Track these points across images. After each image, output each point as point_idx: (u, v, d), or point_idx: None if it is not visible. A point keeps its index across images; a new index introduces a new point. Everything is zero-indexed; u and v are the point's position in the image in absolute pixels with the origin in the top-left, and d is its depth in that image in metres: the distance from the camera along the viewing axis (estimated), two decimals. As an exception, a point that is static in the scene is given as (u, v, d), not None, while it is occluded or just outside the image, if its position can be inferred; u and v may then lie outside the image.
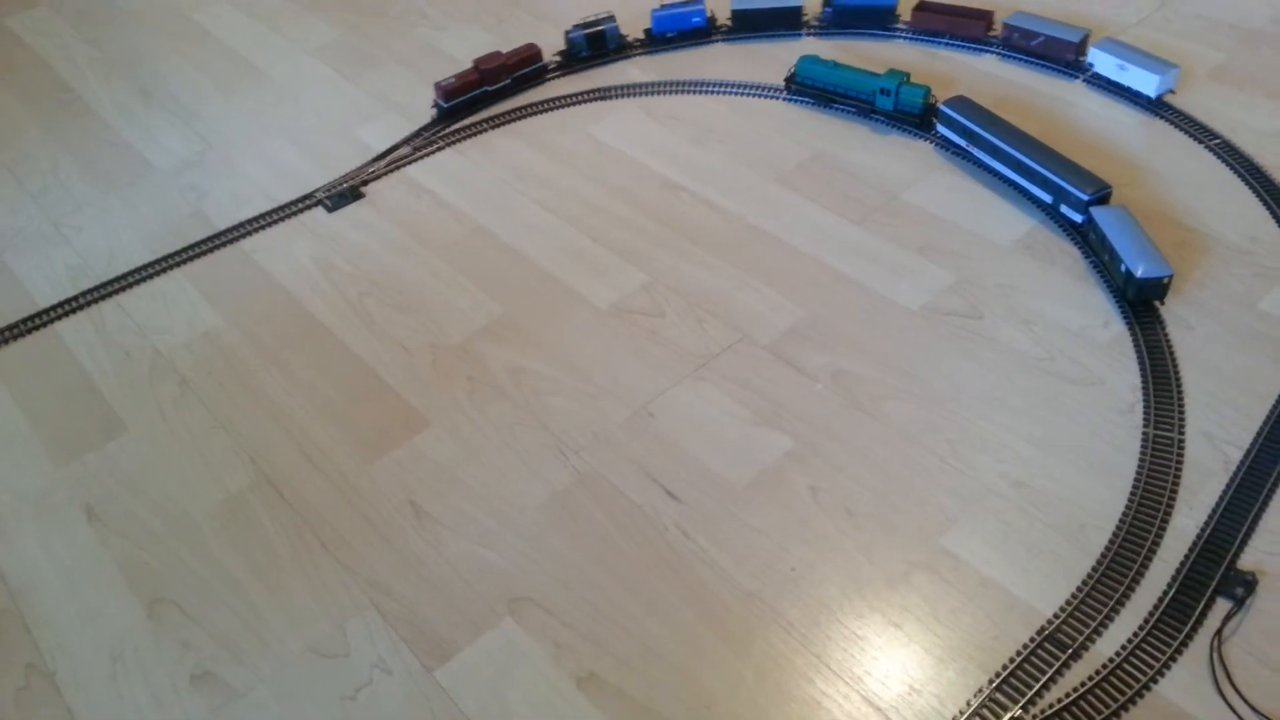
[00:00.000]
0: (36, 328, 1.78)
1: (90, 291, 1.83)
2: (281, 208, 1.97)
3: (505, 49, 2.22)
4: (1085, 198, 1.67)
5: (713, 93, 2.15)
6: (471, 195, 1.97)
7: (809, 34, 2.28)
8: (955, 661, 1.18)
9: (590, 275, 1.76)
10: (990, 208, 1.79)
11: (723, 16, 2.34)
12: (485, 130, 2.13)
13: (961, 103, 1.89)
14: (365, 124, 2.18)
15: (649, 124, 2.09)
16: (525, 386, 1.58)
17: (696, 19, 2.27)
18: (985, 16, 2.17)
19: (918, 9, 2.21)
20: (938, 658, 1.19)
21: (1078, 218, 1.70)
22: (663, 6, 2.28)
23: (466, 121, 2.15)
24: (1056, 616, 1.20)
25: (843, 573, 1.28)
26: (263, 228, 1.95)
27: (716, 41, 2.30)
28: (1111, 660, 1.15)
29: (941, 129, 1.92)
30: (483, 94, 2.16)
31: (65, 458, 1.55)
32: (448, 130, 2.13)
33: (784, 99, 2.11)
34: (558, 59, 2.26)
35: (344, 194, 2.00)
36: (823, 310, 1.64)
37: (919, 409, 1.46)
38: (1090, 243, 1.67)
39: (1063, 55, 2.08)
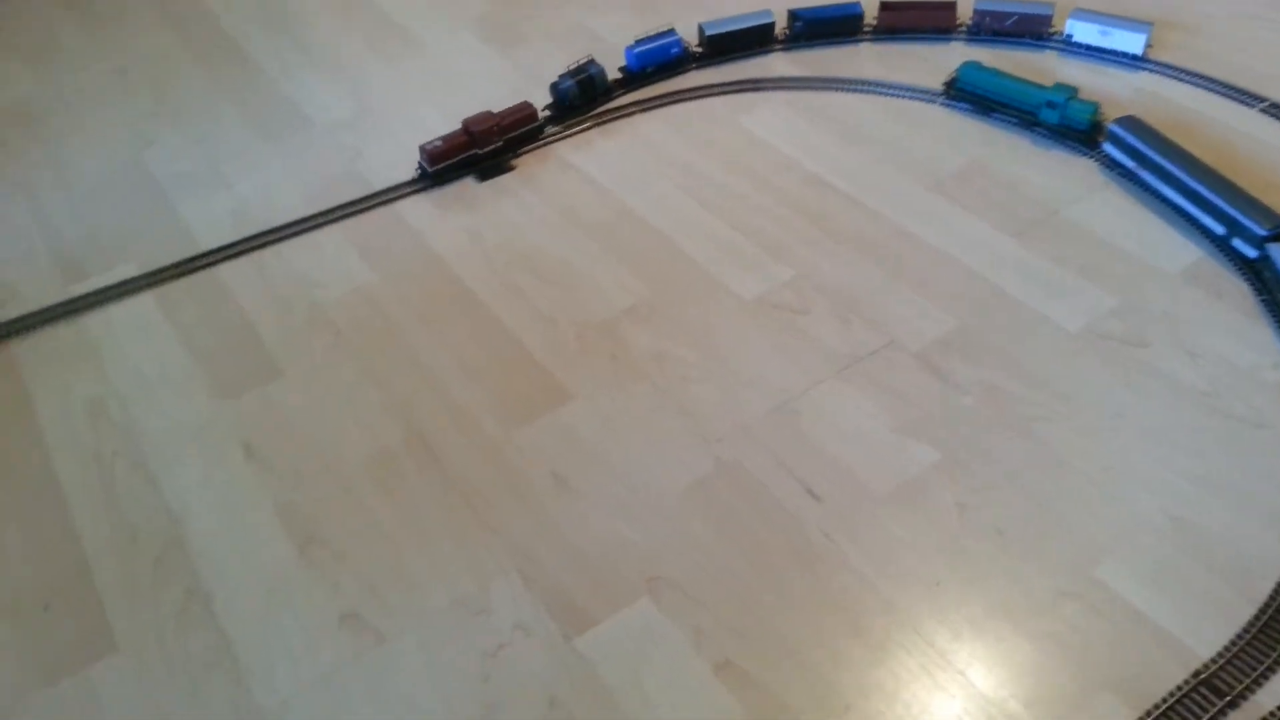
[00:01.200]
0: (200, 268, 1.86)
1: (251, 238, 1.90)
2: (433, 173, 2.01)
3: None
4: (1262, 233, 1.61)
5: (865, 92, 2.13)
6: (618, 176, 1.99)
7: (781, 48, 2.26)
8: (1103, 694, 1.16)
9: (735, 266, 1.76)
10: (1156, 233, 1.74)
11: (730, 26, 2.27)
12: (633, 113, 2.15)
13: (1132, 123, 1.83)
14: (513, 99, 2.21)
15: (799, 119, 2.08)
16: (668, 370, 1.59)
17: (674, 49, 2.19)
18: (950, 5, 2.21)
19: (883, 9, 2.23)
20: (1084, 688, 1.17)
21: (1251, 253, 1.64)
22: (636, 42, 2.19)
23: (616, 103, 2.17)
24: (1215, 661, 1.17)
25: (988, 592, 1.27)
26: (414, 192, 1.99)
27: (863, 41, 2.26)
28: (1273, 714, 1.11)
29: (1109, 148, 1.87)
30: (473, 157, 2.01)
31: (225, 394, 1.62)
32: (598, 110, 2.15)
33: (940, 104, 2.07)
34: (547, 113, 2.11)
35: (494, 166, 2.04)
36: (975, 322, 1.61)
37: (1075, 434, 1.43)
38: (1265, 280, 1.61)
39: (1038, 30, 2.16)
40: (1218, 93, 2.03)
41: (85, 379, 1.66)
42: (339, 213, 1.95)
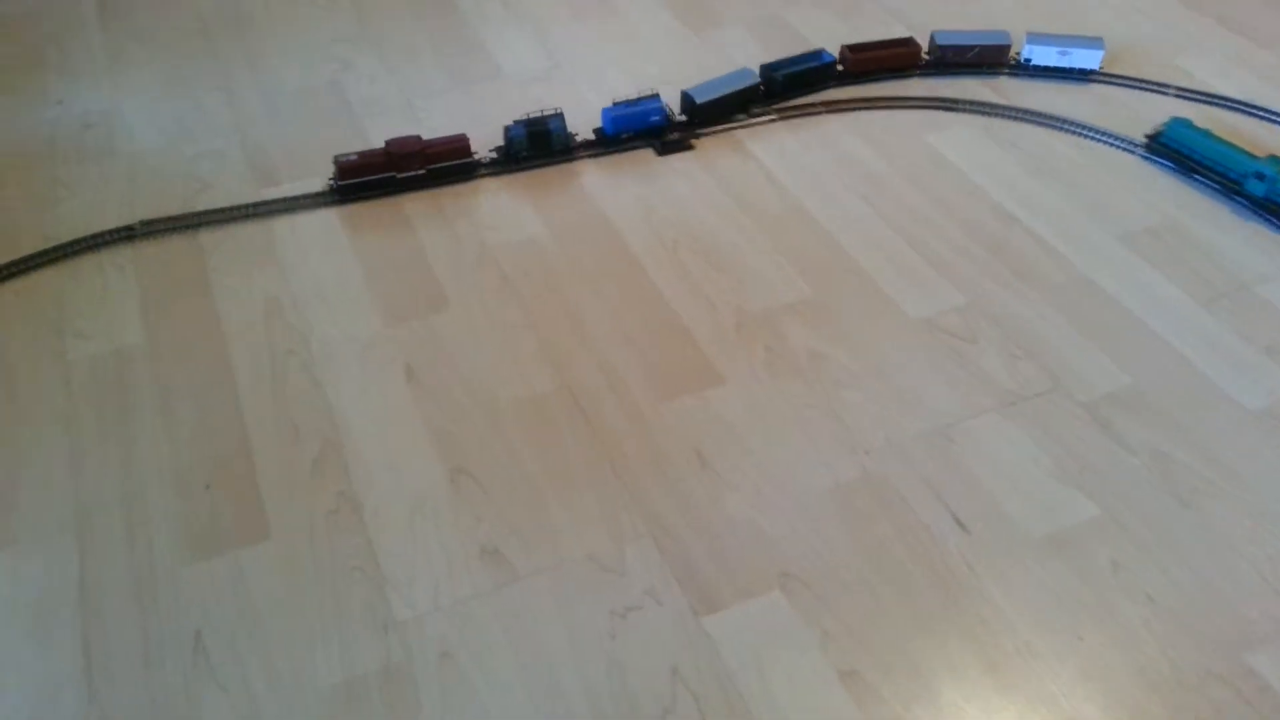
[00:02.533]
0: (383, 195, 1.92)
1: (433, 174, 1.96)
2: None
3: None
4: None
5: (1062, 130, 2.07)
6: (797, 173, 1.98)
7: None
8: (1240, 785, 1.12)
9: (906, 282, 1.74)
10: (1357, 327, 1.65)
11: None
12: (821, 113, 2.13)
13: (1348, 208, 1.74)
14: (697, 78, 2.22)
15: (990, 145, 2.04)
16: (823, 373, 1.59)
17: (655, 116, 2.02)
18: (910, 42, 2.20)
19: (849, 52, 2.19)
20: (1221, 775, 1.13)
21: None
22: (614, 104, 2.03)
23: (803, 100, 2.16)
24: (1369, 777, 1.11)
25: (1133, 658, 1.23)
26: (594, 155, 2.02)
27: (1093, 83, 2.20)
28: None
29: (1317, 230, 1.79)
30: (390, 179, 1.89)
31: (393, 316, 1.67)
32: (785, 104, 2.15)
33: (1140, 155, 2.00)
34: (494, 154, 1.97)
35: (675, 142, 2.05)
36: (1150, 385, 1.56)
37: (1243, 515, 1.38)
38: None
39: (999, 59, 2.19)
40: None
41: (266, 278, 1.74)
42: (520, 165, 1.98)
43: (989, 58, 2.19)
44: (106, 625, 1.25)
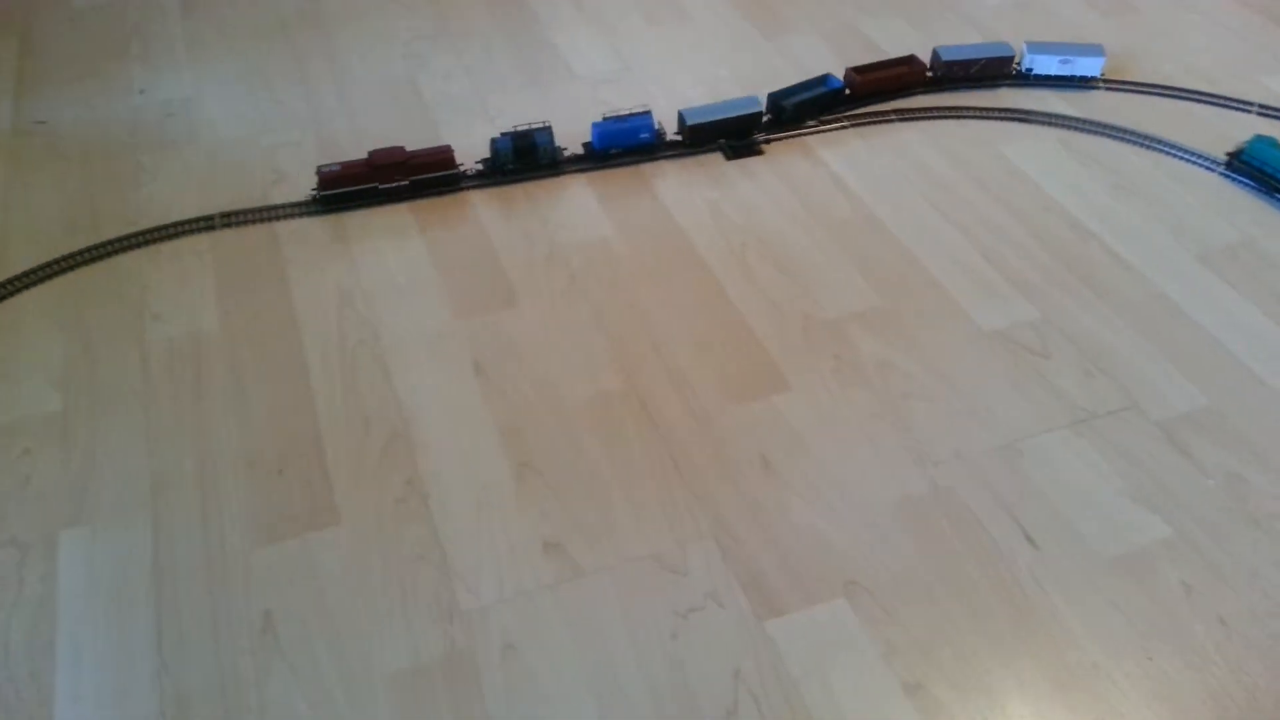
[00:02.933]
0: (455, 190, 1.94)
1: (505, 172, 1.98)
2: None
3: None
4: None
5: (1140, 145, 2.03)
6: (868, 180, 1.97)
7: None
8: (1319, 821, 1.09)
9: (979, 294, 1.72)
10: None
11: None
12: (893, 120, 2.12)
13: None
14: (767, 85, 2.21)
15: (1066, 159, 2.01)
16: (891, 383, 1.57)
17: (645, 134, 1.98)
18: (914, 60, 2.17)
19: (853, 74, 2.14)
20: (1298, 809, 1.10)
21: None
22: (605, 118, 2.00)
23: (875, 107, 2.15)
24: None
25: (1204, 681, 1.20)
26: (662, 158, 2.03)
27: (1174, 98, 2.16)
28: None
29: None
30: (373, 190, 1.87)
31: (462, 312, 1.69)
32: (855, 111, 2.14)
33: (1220, 173, 1.96)
34: (480, 166, 1.95)
35: (745, 146, 2.05)
36: (1227, 405, 1.52)
37: (1326, 543, 1.34)
38: None
39: (1003, 71, 2.18)
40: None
41: (339, 270, 1.77)
42: (587, 165, 1.99)
43: (993, 70, 2.18)
44: (179, 600, 1.28)
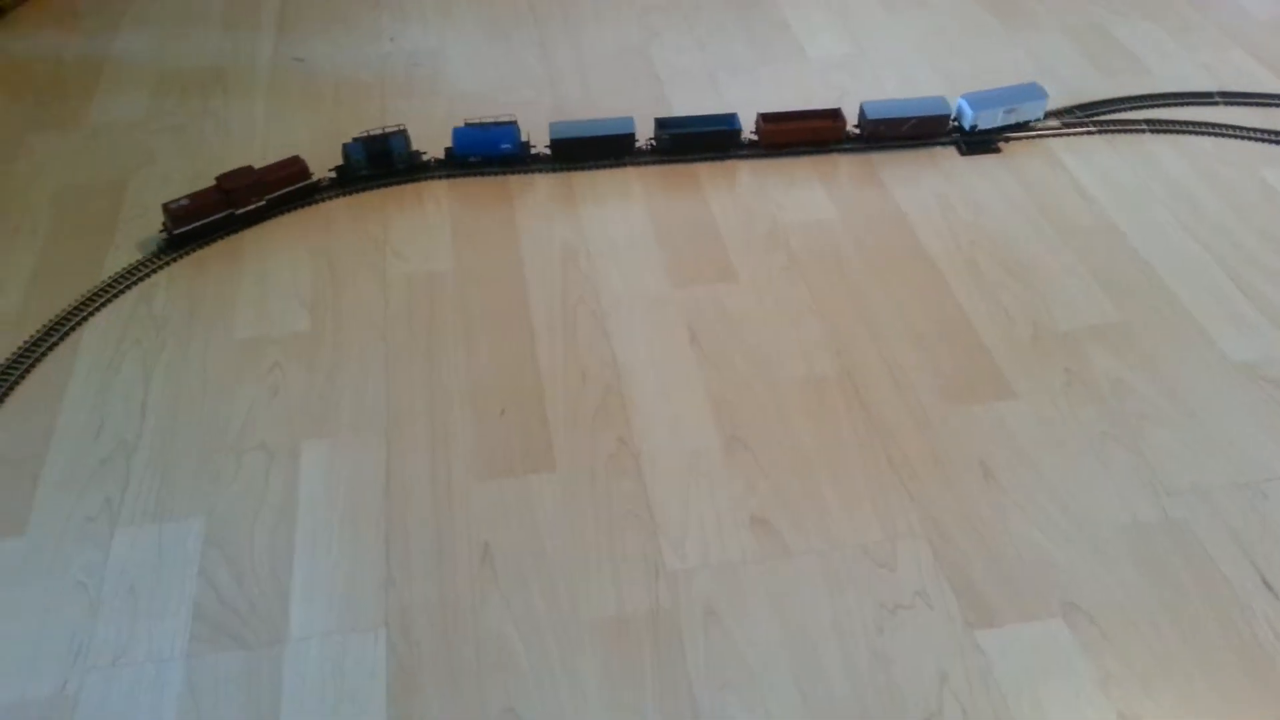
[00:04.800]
0: (676, 162, 1.96)
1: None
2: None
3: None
4: None
5: None
6: (1111, 190, 1.86)
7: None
8: None
9: (1227, 322, 1.61)
10: None
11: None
12: (1143, 131, 2.00)
13: None
14: (1002, 81, 2.12)
15: (1340, 189, 1.84)
16: (1126, 403, 1.49)
17: (506, 144, 1.88)
18: (837, 115, 1.94)
19: (763, 121, 1.93)
20: None
21: None
22: (467, 124, 1.90)
23: (1125, 116, 2.03)
24: None
25: None
26: (894, 148, 1.98)
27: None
28: None
29: None
30: (228, 218, 1.77)
31: (680, 280, 1.71)
32: (1102, 115, 2.02)
33: None
34: (333, 175, 1.87)
35: (981, 142, 1.98)
36: None
37: None
38: None
39: (939, 129, 1.95)
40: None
41: (565, 228, 1.82)
42: (812, 149, 1.97)
43: (927, 129, 1.95)
44: (408, 520, 1.36)
